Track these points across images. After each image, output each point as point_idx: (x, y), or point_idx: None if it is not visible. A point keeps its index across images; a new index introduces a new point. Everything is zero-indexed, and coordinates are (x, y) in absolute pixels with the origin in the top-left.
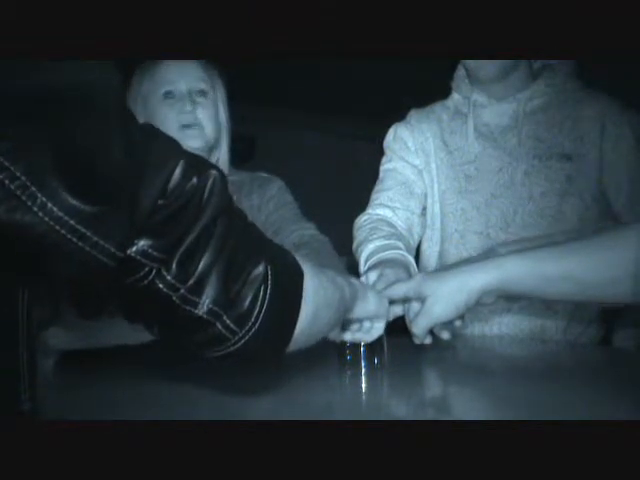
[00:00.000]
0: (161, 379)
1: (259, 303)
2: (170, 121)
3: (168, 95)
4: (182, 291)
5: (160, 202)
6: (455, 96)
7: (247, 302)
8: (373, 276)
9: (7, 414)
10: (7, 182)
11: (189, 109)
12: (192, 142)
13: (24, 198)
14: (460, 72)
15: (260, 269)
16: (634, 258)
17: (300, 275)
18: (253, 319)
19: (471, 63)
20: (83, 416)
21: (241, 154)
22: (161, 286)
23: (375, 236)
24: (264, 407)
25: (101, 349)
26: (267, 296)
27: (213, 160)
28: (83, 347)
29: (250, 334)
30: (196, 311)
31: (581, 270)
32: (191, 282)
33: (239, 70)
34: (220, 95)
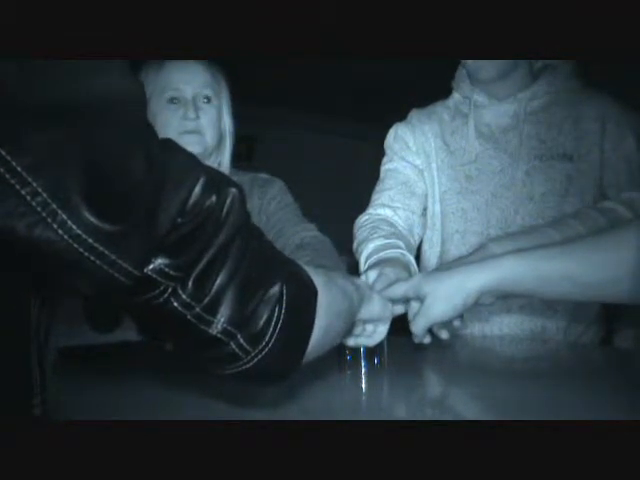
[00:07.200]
0: (162, 379)
1: (273, 323)
2: (172, 126)
3: (173, 101)
4: (197, 310)
5: (179, 220)
6: (456, 96)
7: (262, 322)
8: (373, 275)
9: (19, 418)
10: (29, 198)
11: (192, 116)
12: (191, 148)
13: (44, 215)
14: (461, 72)
15: (276, 289)
16: (633, 258)
17: (314, 293)
18: (267, 339)
19: (471, 63)
20: (84, 416)
21: (241, 154)
22: (176, 304)
23: (375, 235)
24: (264, 407)
25: (101, 349)
26: (282, 316)
27: (214, 163)
28: (82, 343)
29: (263, 353)
30: (210, 330)
31: (580, 270)
32: (206, 301)
33: (239, 70)
34: (225, 101)
